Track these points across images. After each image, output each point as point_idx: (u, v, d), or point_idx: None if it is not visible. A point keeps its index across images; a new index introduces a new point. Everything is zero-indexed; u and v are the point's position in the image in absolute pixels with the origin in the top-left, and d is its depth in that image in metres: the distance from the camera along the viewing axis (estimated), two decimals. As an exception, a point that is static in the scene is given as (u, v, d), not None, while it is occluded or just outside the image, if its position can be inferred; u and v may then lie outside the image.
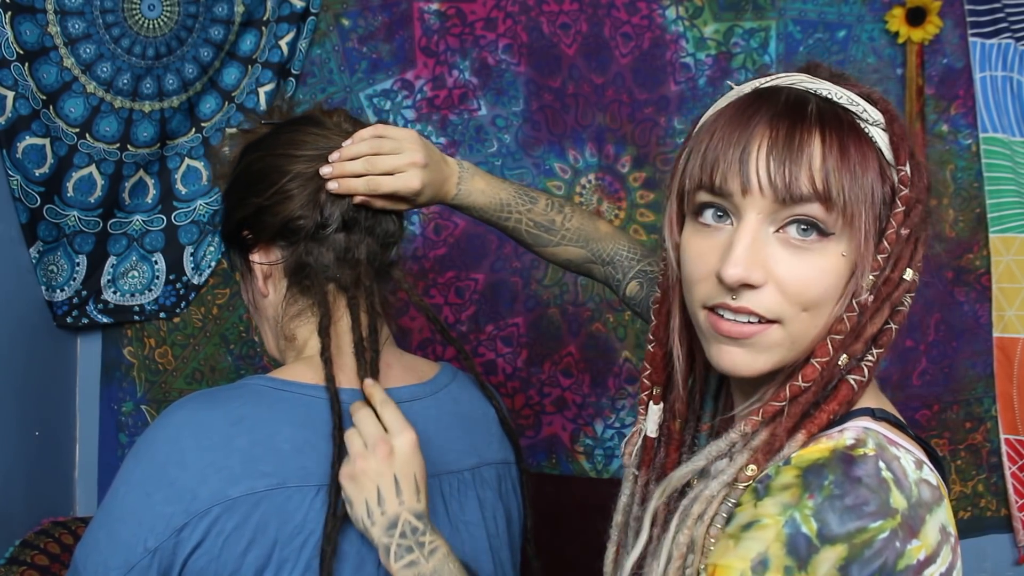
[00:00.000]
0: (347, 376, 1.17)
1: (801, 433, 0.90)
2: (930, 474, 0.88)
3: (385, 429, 1.09)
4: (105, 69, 1.93)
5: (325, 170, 1.20)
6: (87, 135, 1.94)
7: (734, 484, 0.90)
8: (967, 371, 2.12)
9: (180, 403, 1.11)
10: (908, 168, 0.92)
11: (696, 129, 0.99)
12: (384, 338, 1.23)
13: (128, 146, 1.98)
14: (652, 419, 1.08)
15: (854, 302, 0.90)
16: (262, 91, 2.04)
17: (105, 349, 2.12)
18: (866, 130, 0.91)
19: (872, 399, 0.95)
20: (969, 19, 2.05)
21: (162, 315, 2.09)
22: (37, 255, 1.94)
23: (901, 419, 0.95)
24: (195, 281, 2.09)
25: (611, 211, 2.10)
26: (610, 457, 2.12)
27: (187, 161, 2.07)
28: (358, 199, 1.21)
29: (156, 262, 2.08)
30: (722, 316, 0.91)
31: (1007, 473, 2.11)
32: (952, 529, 0.87)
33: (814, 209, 0.88)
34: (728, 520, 0.89)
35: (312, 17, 2.04)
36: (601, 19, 2.07)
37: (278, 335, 1.26)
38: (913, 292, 0.94)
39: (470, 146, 2.09)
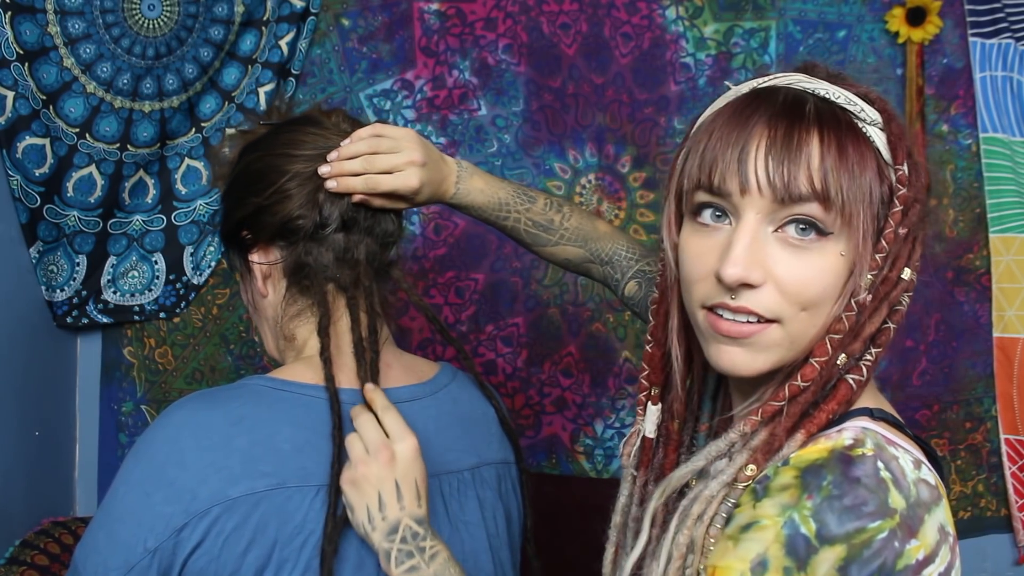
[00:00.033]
0: (347, 376, 1.17)
1: (800, 433, 0.90)
2: (928, 474, 0.88)
3: (386, 434, 1.09)
4: (105, 69, 1.93)
5: (323, 169, 1.20)
6: (87, 135, 1.94)
7: (733, 484, 0.90)
8: (967, 371, 2.12)
9: (180, 403, 1.11)
10: (906, 167, 0.92)
11: (694, 129, 0.99)
12: (384, 338, 1.23)
13: (128, 146, 1.98)
14: (650, 420, 1.08)
15: (852, 301, 0.90)
16: (262, 91, 2.04)
17: (105, 349, 2.12)
18: (864, 130, 0.91)
19: (870, 399, 0.95)
20: (969, 19, 2.05)
21: (162, 315, 2.09)
22: (37, 255, 1.94)
23: (899, 419, 0.95)
24: (195, 281, 2.09)
25: (611, 211, 2.10)
26: (610, 457, 2.12)
27: (187, 161, 2.07)
28: (356, 198, 1.21)
29: (156, 262, 2.08)
30: (721, 316, 0.91)
31: (1007, 473, 2.11)
32: (951, 529, 0.87)
33: (812, 209, 0.88)
34: (728, 520, 0.89)
35: (312, 17, 2.04)
36: (601, 19, 2.07)
37: (277, 335, 1.26)
38: (911, 291, 0.94)
39: (470, 146, 2.09)
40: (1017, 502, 2.11)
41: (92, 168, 1.96)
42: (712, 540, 0.89)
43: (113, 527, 1.06)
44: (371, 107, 2.09)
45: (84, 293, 2.04)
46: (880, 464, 0.85)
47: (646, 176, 2.09)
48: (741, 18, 2.07)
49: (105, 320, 2.06)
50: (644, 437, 1.08)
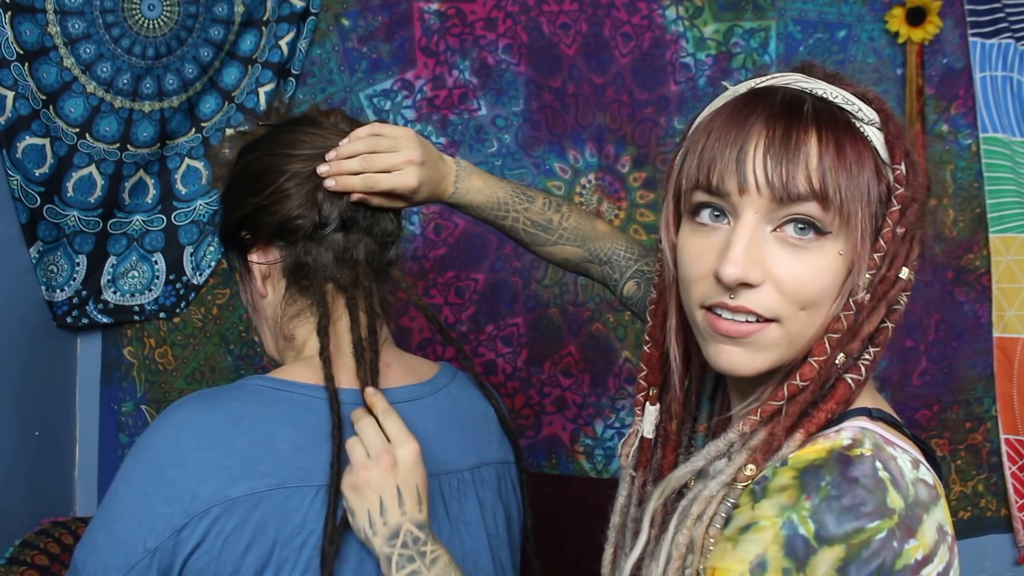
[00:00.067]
0: (346, 376, 1.17)
1: (799, 432, 0.90)
2: (927, 473, 0.88)
3: (387, 438, 1.09)
4: (105, 69, 1.93)
5: (322, 168, 1.20)
6: (87, 135, 1.94)
7: (733, 484, 0.90)
8: (967, 371, 2.12)
9: (179, 403, 1.11)
10: (903, 167, 0.92)
11: (692, 129, 0.99)
12: (383, 338, 1.23)
13: (128, 146, 1.98)
14: (649, 420, 1.08)
15: (851, 301, 0.90)
16: (262, 91, 2.04)
17: (105, 349, 2.12)
18: (862, 129, 0.92)
19: (869, 399, 0.95)
20: (969, 19, 2.05)
21: (162, 315, 2.09)
22: (37, 255, 1.94)
23: (897, 418, 0.95)
24: (195, 281, 2.09)
25: (611, 211, 2.10)
26: (610, 457, 2.12)
27: (187, 161, 2.07)
28: (355, 197, 1.21)
29: (156, 262, 2.08)
30: (720, 315, 0.91)
31: (1007, 473, 2.11)
32: (949, 528, 0.87)
33: (811, 208, 0.88)
34: (727, 520, 0.89)
35: (312, 17, 2.04)
36: (601, 19, 2.07)
37: (277, 335, 1.26)
38: (909, 291, 0.94)
39: (470, 146, 2.09)
40: (1017, 502, 2.11)
41: (92, 168, 1.96)
42: (711, 540, 0.89)
43: (113, 527, 1.06)
44: (371, 107, 2.09)
45: (84, 293, 2.04)
46: (878, 464, 0.85)
47: (646, 176, 2.09)
48: (741, 18, 2.07)
49: (105, 320, 2.06)
50: (642, 437, 1.08)
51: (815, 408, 0.91)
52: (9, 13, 1.80)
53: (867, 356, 0.93)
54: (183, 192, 2.07)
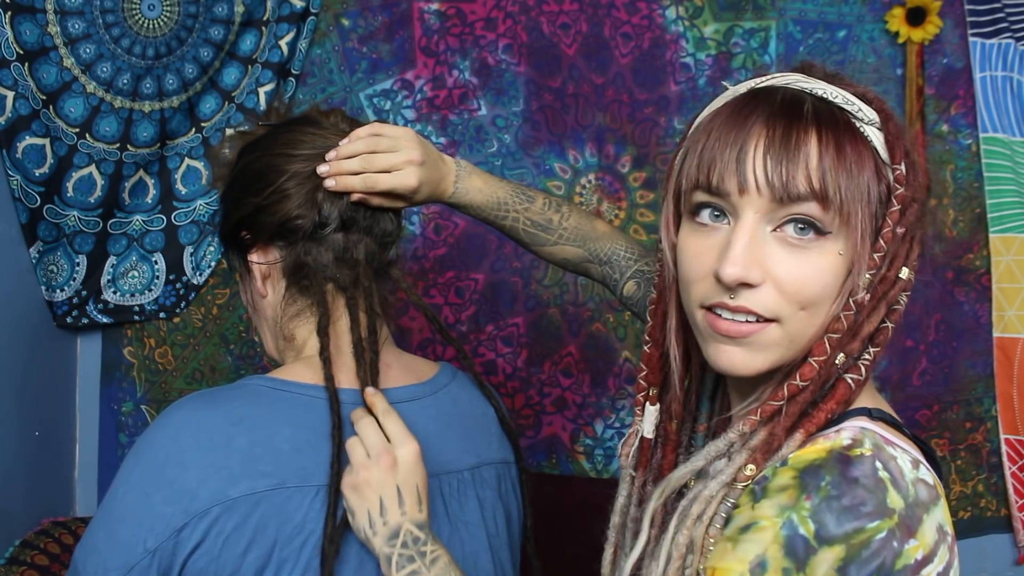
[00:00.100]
0: (347, 376, 1.17)
1: (799, 432, 0.90)
2: (927, 473, 0.88)
3: (388, 438, 1.09)
4: (105, 69, 1.93)
5: (322, 168, 1.20)
6: (87, 135, 1.94)
7: (733, 484, 0.90)
8: (967, 371, 2.12)
9: (179, 403, 1.11)
10: (903, 167, 0.92)
11: (692, 129, 0.99)
12: (383, 338, 1.23)
13: (128, 146, 1.98)
14: (648, 420, 1.08)
15: (851, 301, 0.90)
16: (262, 91, 2.04)
17: (105, 349, 2.12)
18: (861, 129, 0.92)
19: (869, 399, 0.95)
20: (969, 19, 2.05)
21: (162, 315, 2.09)
22: (37, 255, 1.94)
23: (897, 418, 0.95)
24: (195, 281, 2.09)
25: (611, 211, 2.10)
26: (610, 457, 2.12)
27: (187, 161, 2.07)
28: (355, 197, 1.21)
29: (156, 262, 2.08)
30: (720, 315, 0.91)
31: (1007, 473, 2.11)
32: (949, 528, 0.87)
33: (811, 208, 0.88)
34: (727, 521, 0.89)
35: (312, 17, 2.04)
36: (601, 19, 2.07)
37: (277, 335, 1.26)
38: (909, 291, 0.94)
39: (470, 146, 2.09)
40: (1017, 502, 2.11)
41: (92, 168, 1.96)
42: (712, 540, 0.89)
43: (113, 527, 1.06)
44: (371, 107, 2.09)
45: (84, 293, 2.04)
46: (878, 464, 0.85)
47: (646, 176, 2.09)
48: (741, 18, 2.07)
49: (105, 320, 2.06)
50: (642, 437, 1.08)
51: (815, 408, 0.91)
52: (9, 13, 1.80)
53: (867, 356, 0.93)
54: (183, 192, 2.07)
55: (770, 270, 0.89)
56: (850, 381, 0.92)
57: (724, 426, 1.00)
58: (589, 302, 2.10)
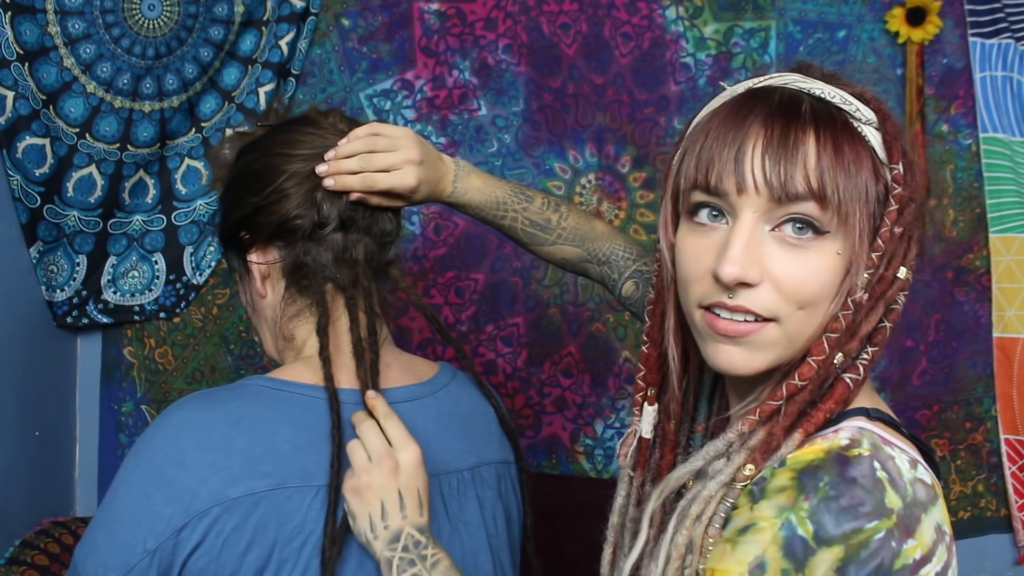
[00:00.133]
0: (346, 376, 1.17)
1: (798, 432, 0.90)
2: (925, 473, 0.88)
3: (389, 442, 1.09)
4: (105, 69, 1.93)
5: (321, 168, 1.20)
6: (87, 135, 1.94)
7: (732, 484, 0.90)
8: (967, 371, 2.12)
9: (179, 403, 1.11)
10: (901, 166, 0.92)
11: (690, 129, 0.99)
12: (383, 338, 1.23)
13: (128, 146, 1.98)
14: (647, 420, 1.08)
15: (849, 300, 0.90)
16: (262, 91, 2.04)
17: (105, 349, 2.12)
18: (859, 129, 0.92)
19: (867, 399, 0.95)
20: (969, 19, 2.05)
21: (162, 315, 2.10)
22: (37, 255, 1.94)
23: (895, 418, 0.95)
24: (195, 281, 2.09)
25: (611, 211, 2.10)
26: (610, 457, 2.12)
27: (187, 161, 2.07)
28: (354, 196, 1.21)
29: (156, 262, 2.08)
30: (718, 315, 0.91)
31: (1007, 473, 2.11)
32: (947, 528, 0.87)
33: (809, 208, 0.88)
34: (726, 521, 0.89)
35: (312, 17, 2.04)
36: (601, 19, 2.07)
37: (276, 336, 1.26)
38: (907, 290, 0.94)
39: (470, 146, 2.10)
40: (1017, 502, 2.11)
41: (92, 168, 1.96)
42: (711, 540, 0.89)
43: (113, 527, 1.06)
44: (371, 107, 2.09)
45: (84, 293, 2.04)
46: (876, 464, 0.85)
47: (646, 176, 2.09)
48: (741, 18, 2.07)
49: (105, 320, 2.06)
50: (641, 438, 1.08)
51: (814, 408, 0.91)
52: (9, 13, 1.80)
53: (865, 356, 0.93)
54: (183, 192, 2.08)
55: (768, 270, 0.89)
56: (848, 381, 0.92)
57: (722, 426, 1.00)
58: (589, 302, 2.10)
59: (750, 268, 0.88)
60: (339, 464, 1.08)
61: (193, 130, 2.05)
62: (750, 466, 0.90)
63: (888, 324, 0.93)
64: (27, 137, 1.86)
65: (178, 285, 2.09)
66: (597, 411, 2.11)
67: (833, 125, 0.90)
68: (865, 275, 0.90)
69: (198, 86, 2.02)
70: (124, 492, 1.07)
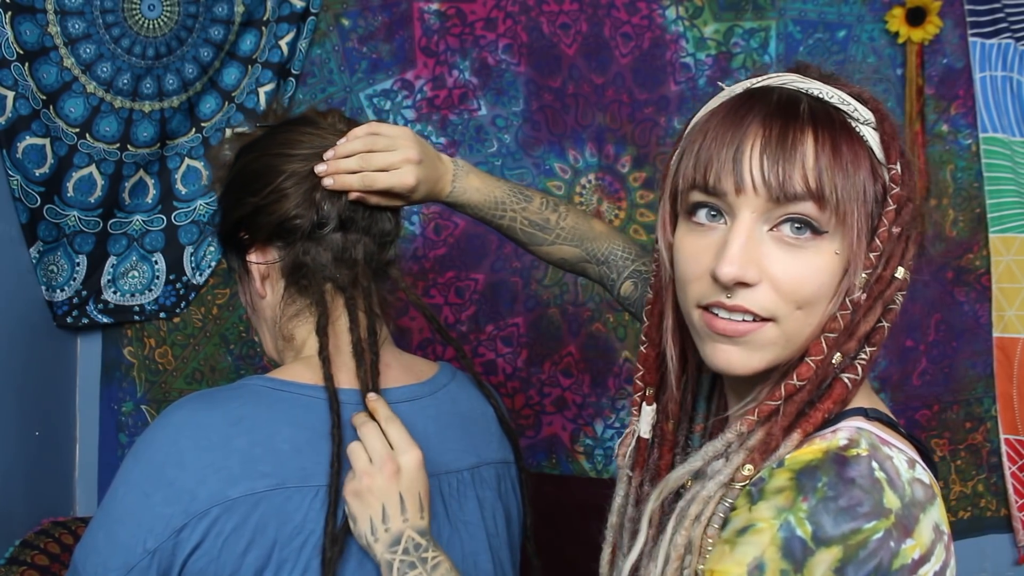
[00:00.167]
0: (346, 376, 1.17)
1: (796, 432, 0.90)
2: (923, 473, 0.88)
3: (390, 445, 1.09)
4: (105, 69, 1.94)
5: (320, 167, 1.20)
6: (87, 135, 1.94)
7: (731, 484, 0.90)
8: (967, 371, 2.12)
9: (179, 403, 1.11)
10: (899, 166, 0.92)
11: (688, 129, 0.99)
12: (382, 338, 1.23)
13: (128, 146, 1.98)
14: (645, 420, 1.08)
15: (847, 300, 0.90)
16: (262, 91, 2.04)
17: (105, 349, 2.12)
18: (857, 129, 0.92)
19: (865, 399, 0.95)
20: (969, 19, 2.05)
21: (162, 315, 2.10)
22: (37, 255, 1.94)
23: (893, 418, 0.95)
24: (195, 281, 2.09)
25: (611, 211, 2.10)
26: (610, 457, 2.12)
27: (187, 161, 2.07)
28: (353, 195, 1.21)
29: (156, 262, 2.08)
30: (717, 315, 0.91)
31: (1007, 473, 2.11)
32: (945, 528, 0.87)
33: (807, 208, 0.88)
34: (725, 521, 0.89)
35: (312, 17, 2.04)
36: (601, 19, 2.07)
37: (276, 336, 1.26)
38: (905, 290, 0.94)
39: (470, 146, 2.10)
40: (1017, 502, 2.11)
41: (92, 168, 1.96)
42: (710, 541, 0.89)
43: (112, 528, 1.06)
44: (371, 107, 2.09)
45: (84, 293, 2.04)
46: (874, 464, 0.85)
47: (646, 176, 2.09)
48: (741, 18, 2.07)
49: (105, 320, 2.06)
50: (639, 437, 1.08)
51: (812, 408, 0.91)
52: (9, 13, 1.80)
53: (863, 356, 0.93)
54: (183, 192, 2.08)
55: (767, 269, 0.89)
56: (847, 381, 0.92)
57: (721, 426, 1.00)
58: (589, 302, 2.10)
59: (748, 268, 0.88)
60: (339, 464, 1.09)
61: (193, 130, 2.06)
62: (749, 466, 0.90)
63: (886, 324, 0.93)
64: (27, 137, 1.86)
65: (178, 285, 2.09)
66: (597, 411, 2.11)
67: (831, 125, 0.90)
68: (863, 275, 0.90)
69: (198, 86, 2.02)
70: (124, 492, 1.07)
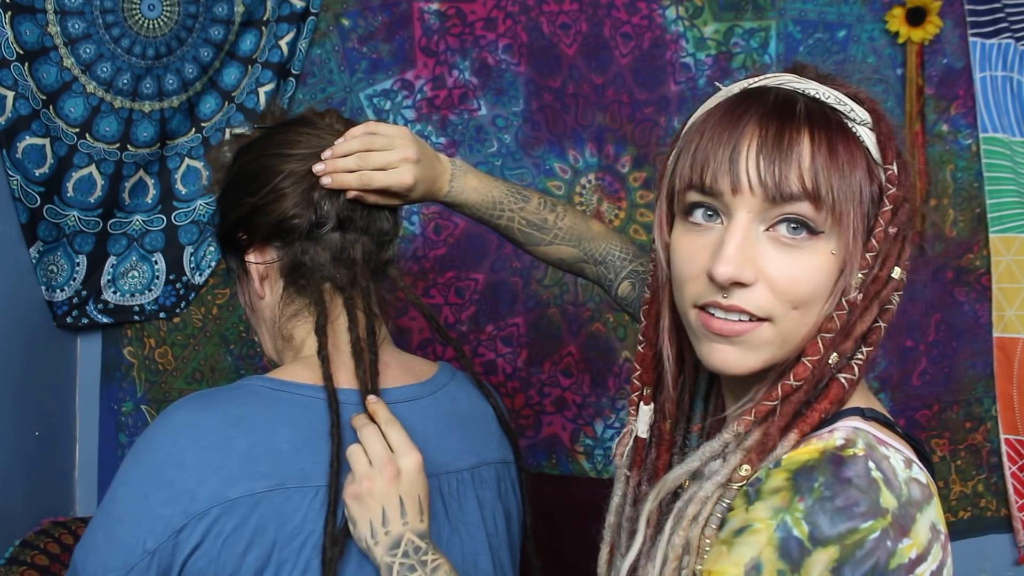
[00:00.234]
0: (346, 376, 1.17)
1: (793, 432, 0.90)
2: (919, 472, 0.88)
3: (390, 447, 1.09)
4: (105, 69, 1.94)
5: (318, 167, 1.20)
6: (87, 135, 1.94)
7: (728, 485, 0.90)
8: (967, 371, 2.12)
9: (178, 404, 1.11)
10: (895, 167, 0.93)
11: (685, 130, 0.99)
12: (381, 338, 1.23)
13: (128, 146, 1.98)
14: (643, 420, 1.08)
15: (843, 300, 0.90)
16: (262, 91, 2.04)
17: (105, 349, 2.12)
18: (853, 129, 0.92)
19: (862, 399, 0.95)
20: (969, 19, 2.05)
21: (162, 315, 2.10)
22: (37, 255, 1.95)
23: (890, 418, 0.95)
24: (195, 281, 2.09)
25: (611, 211, 2.10)
26: (610, 457, 2.12)
27: (187, 161, 2.07)
28: (351, 194, 1.21)
29: (156, 262, 2.08)
30: (713, 315, 0.91)
31: (1007, 473, 2.11)
32: (942, 527, 0.87)
33: (804, 208, 0.88)
34: (722, 521, 0.89)
35: (312, 17, 2.04)
36: (601, 19, 2.07)
37: (275, 336, 1.26)
38: (901, 290, 0.94)
39: (470, 146, 2.10)
40: (1017, 502, 2.11)
41: (92, 168, 1.96)
42: (707, 541, 0.89)
43: (112, 528, 1.06)
44: (371, 107, 2.09)
45: (84, 293, 2.04)
46: (871, 464, 0.85)
47: (646, 176, 2.09)
48: (741, 18, 2.07)
49: (105, 320, 2.07)
50: (637, 437, 1.09)
51: (809, 408, 0.91)
52: (9, 13, 1.80)
53: (860, 356, 0.93)
54: (183, 192, 2.08)
55: (763, 269, 0.89)
56: (843, 381, 0.92)
57: (718, 426, 1.01)
58: (589, 302, 2.10)
59: (745, 268, 0.88)
60: (339, 464, 1.08)
61: (193, 130, 2.06)
62: (746, 467, 0.90)
63: (883, 324, 0.93)
64: (27, 137, 1.87)
65: (178, 285, 2.09)
66: (597, 411, 2.11)
67: (827, 125, 0.90)
68: (859, 275, 0.90)
69: (198, 86, 2.02)
70: (124, 492, 1.07)
